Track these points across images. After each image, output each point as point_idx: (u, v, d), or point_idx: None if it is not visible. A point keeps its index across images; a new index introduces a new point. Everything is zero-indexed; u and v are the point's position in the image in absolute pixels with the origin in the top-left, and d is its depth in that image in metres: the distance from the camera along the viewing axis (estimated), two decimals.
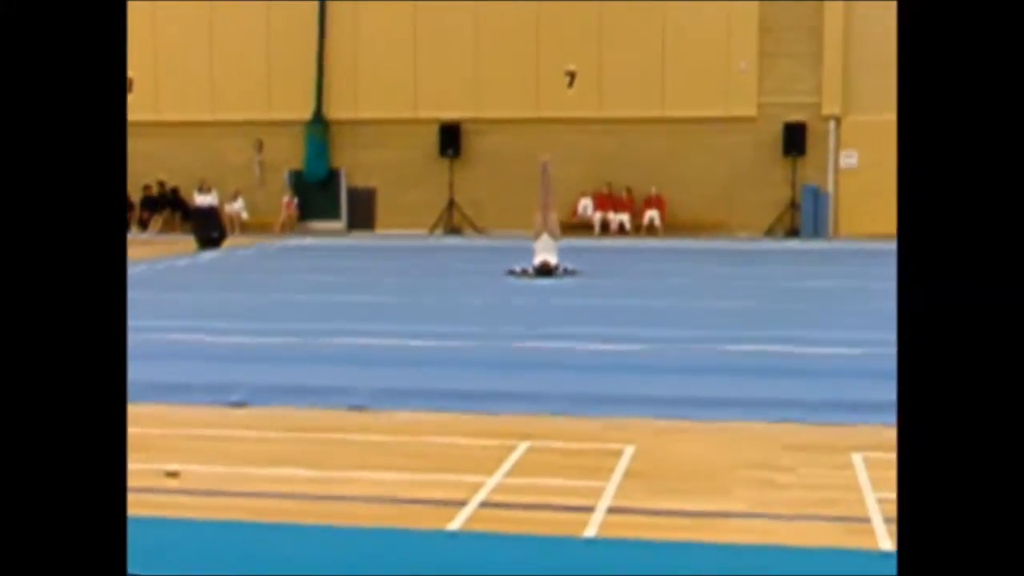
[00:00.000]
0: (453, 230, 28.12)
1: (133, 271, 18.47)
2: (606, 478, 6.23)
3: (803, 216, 27.00)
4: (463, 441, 7.21)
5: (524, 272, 17.27)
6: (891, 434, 7.25)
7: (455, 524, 5.45)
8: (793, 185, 27.11)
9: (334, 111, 28.78)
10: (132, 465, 6.44)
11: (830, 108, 26.90)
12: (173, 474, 6.22)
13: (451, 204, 28.28)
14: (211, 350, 10.70)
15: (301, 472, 6.45)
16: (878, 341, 10.85)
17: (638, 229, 27.31)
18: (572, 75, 27.58)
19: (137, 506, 5.67)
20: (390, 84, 28.24)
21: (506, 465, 6.54)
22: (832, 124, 26.99)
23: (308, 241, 26.39)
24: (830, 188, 27.09)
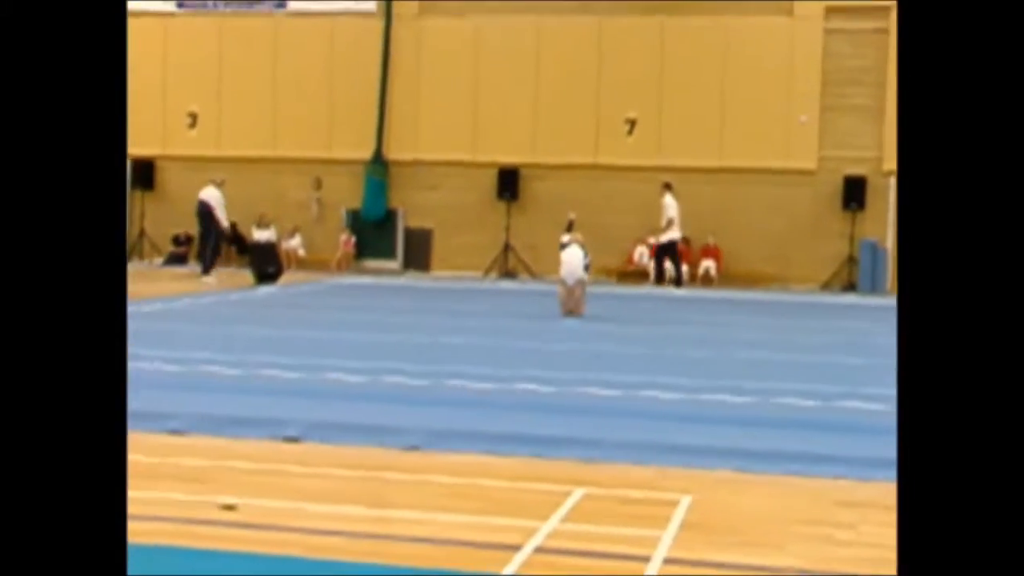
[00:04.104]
0: (508, 274, 28.17)
1: (191, 303, 18.63)
2: (662, 527, 6.17)
3: (861, 271, 26.79)
4: (518, 485, 7.18)
5: None
6: None
7: (509, 569, 5.42)
8: (851, 239, 26.93)
9: (394, 152, 29.03)
10: (189, 497, 6.47)
11: (891, 163, 26.73)
12: (230, 507, 6.23)
13: (507, 247, 28.35)
14: (265, 384, 10.74)
15: (355, 510, 6.44)
16: None
17: (694, 279, 27.22)
18: (632, 123, 27.63)
19: (193, 538, 5.69)
20: (450, 127, 28.46)
21: (561, 511, 6.49)
22: (892, 179, 26.82)
23: (364, 279, 26.52)
24: (888, 243, 26.88)
